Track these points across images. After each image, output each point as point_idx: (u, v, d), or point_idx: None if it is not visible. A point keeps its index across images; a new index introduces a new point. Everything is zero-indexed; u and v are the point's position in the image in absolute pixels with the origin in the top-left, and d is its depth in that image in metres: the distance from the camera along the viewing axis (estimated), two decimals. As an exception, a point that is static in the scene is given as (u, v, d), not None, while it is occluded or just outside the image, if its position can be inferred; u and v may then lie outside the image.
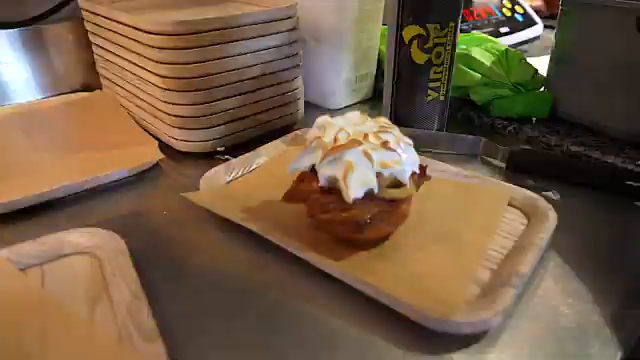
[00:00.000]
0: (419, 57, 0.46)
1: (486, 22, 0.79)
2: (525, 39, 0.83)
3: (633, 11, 0.45)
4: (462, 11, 0.78)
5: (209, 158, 0.47)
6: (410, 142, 0.34)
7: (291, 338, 0.28)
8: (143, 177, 0.45)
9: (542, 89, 0.56)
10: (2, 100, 0.59)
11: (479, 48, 0.56)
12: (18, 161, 0.45)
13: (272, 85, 0.49)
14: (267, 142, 0.47)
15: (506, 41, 0.79)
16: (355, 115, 0.35)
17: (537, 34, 0.86)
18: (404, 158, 0.32)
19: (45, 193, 0.39)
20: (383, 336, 0.28)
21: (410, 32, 0.45)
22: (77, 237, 0.33)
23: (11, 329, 0.26)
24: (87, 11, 0.55)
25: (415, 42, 0.45)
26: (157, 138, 0.49)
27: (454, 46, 0.46)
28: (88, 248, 0.33)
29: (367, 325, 0.29)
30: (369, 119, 0.35)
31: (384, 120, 0.35)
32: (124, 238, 0.33)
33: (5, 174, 0.42)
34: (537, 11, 0.93)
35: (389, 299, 0.28)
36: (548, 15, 0.97)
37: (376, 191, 0.31)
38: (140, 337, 0.25)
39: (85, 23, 0.57)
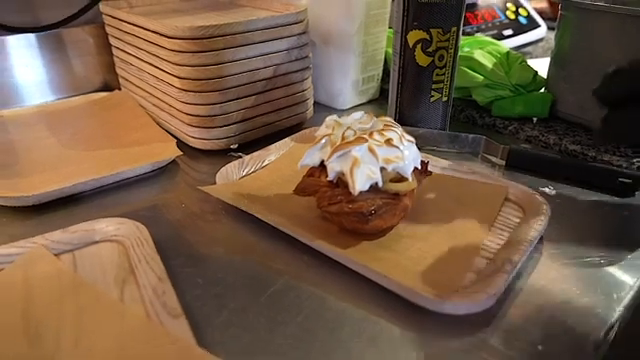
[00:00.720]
0: (423, 60, 0.48)
1: (490, 25, 0.81)
2: (529, 41, 0.85)
3: (630, 16, 0.47)
4: (465, 15, 0.80)
5: (223, 155, 0.50)
6: (412, 140, 0.36)
7: (301, 318, 0.30)
8: (162, 173, 0.47)
9: (543, 90, 0.58)
10: (27, 100, 0.63)
11: (481, 51, 0.59)
12: (47, 157, 0.48)
13: (283, 86, 0.52)
14: (278, 140, 0.50)
15: (510, 43, 0.81)
16: (361, 115, 0.38)
17: (541, 36, 0.88)
18: (406, 154, 0.34)
19: (75, 186, 0.42)
20: (385, 317, 0.30)
21: (414, 36, 0.47)
22: (105, 226, 0.36)
23: (50, 309, 0.29)
24: (108, 15, 0.58)
25: (419, 46, 0.47)
26: (174, 136, 0.52)
27: (456, 49, 0.49)
28: (115, 236, 0.36)
29: (371, 307, 0.31)
30: (374, 118, 0.37)
31: (388, 119, 0.37)
32: (147, 227, 0.36)
33: (35, 169, 0.45)
34: (541, 12, 0.95)
35: (391, 283, 0.31)
36: (552, 17, 0.99)
37: (380, 185, 0.33)
38: (166, 314, 0.28)
39: (106, 27, 0.60)
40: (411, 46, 0.48)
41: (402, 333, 0.29)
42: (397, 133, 0.35)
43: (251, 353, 0.28)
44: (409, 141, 0.36)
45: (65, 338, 0.27)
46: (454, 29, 0.47)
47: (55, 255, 0.34)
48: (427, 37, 0.47)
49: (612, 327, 0.30)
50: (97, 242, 0.35)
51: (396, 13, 0.48)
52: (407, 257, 0.34)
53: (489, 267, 0.33)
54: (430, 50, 0.47)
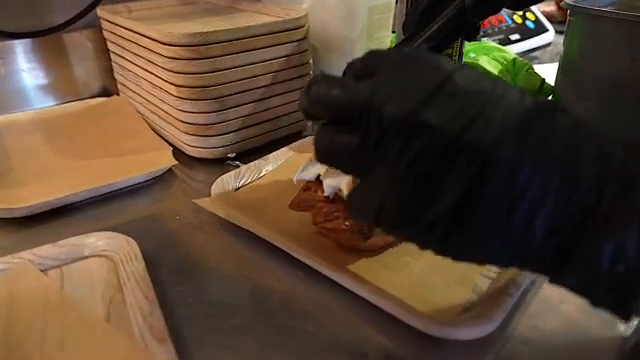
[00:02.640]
0: (426, 67, 0.47)
1: (496, 29, 0.79)
2: (536, 46, 0.83)
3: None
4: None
5: (220, 164, 0.49)
6: None
7: (295, 340, 0.29)
8: (157, 182, 0.46)
9: (550, 98, 0.56)
10: (25, 105, 0.62)
11: (487, 57, 0.57)
12: (40, 166, 0.47)
13: (282, 93, 0.51)
14: (277, 148, 0.49)
15: (517, 48, 0.80)
16: None
17: (548, 41, 0.86)
18: None
19: (65, 197, 0.41)
20: (383, 340, 0.29)
21: (417, 43, 0.46)
22: (95, 240, 0.35)
23: (33, 327, 0.28)
24: (105, 20, 0.57)
25: (422, 53, 0.46)
26: (171, 144, 0.51)
27: (461, 56, 0.47)
28: (105, 251, 0.34)
29: (367, 328, 0.30)
30: None
31: None
32: (138, 241, 0.35)
33: (27, 179, 0.44)
34: (550, 16, 0.93)
35: (389, 305, 0.29)
36: (561, 21, 0.97)
37: None
38: (152, 337, 0.27)
39: (103, 31, 0.59)
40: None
41: (399, 357, 0.28)
42: None
43: (240, 379, 0.27)
44: None
45: (47, 357, 0.26)
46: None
47: (43, 271, 0.33)
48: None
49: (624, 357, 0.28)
50: (86, 257, 0.34)
51: (398, 19, 0.47)
52: (406, 275, 0.33)
53: (492, 288, 0.31)
54: (433, 57, 0.46)
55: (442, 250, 0.22)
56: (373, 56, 0.24)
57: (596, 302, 0.21)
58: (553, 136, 0.20)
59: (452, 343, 0.28)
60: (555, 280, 0.21)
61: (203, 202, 0.39)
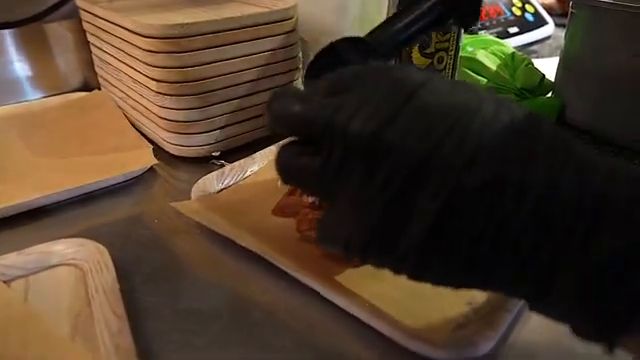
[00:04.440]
0: (420, 62, 0.44)
1: (495, 22, 0.77)
2: (535, 39, 0.81)
3: (646, 16, 0.43)
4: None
5: (204, 163, 0.46)
6: None
7: (276, 357, 0.27)
8: (137, 182, 0.44)
9: (550, 95, 0.54)
10: (3, 100, 0.59)
11: (485, 51, 0.55)
12: (12, 165, 0.44)
13: (269, 89, 0.48)
14: (264, 147, 0.46)
15: (516, 42, 0.77)
16: None
17: (548, 34, 0.83)
18: None
19: (36, 200, 0.38)
20: (372, 356, 0.27)
21: (411, 36, 0.43)
22: (63, 248, 0.33)
23: (-9, 345, 0.26)
24: (84, 10, 0.54)
25: (416, 47, 0.44)
26: (152, 141, 0.48)
27: (457, 51, 0.45)
28: (74, 260, 0.32)
29: (356, 345, 0.28)
30: None
31: None
32: (112, 247, 0.33)
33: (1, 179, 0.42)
34: (549, 9, 0.91)
35: (378, 322, 0.27)
36: (561, 13, 0.95)
37: None
38: (117, 358, 0.25)
39: (83, 23, 0.56)
40: (408, 48, 0.44)
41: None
42: None
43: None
44: None
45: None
46: (454, 29, 0.43)
47: (6, 282, 0.31)
48: (426, 38, 0.43)
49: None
50: (54, 266, 0.32)
51: (392, 11, 0.44)
52: (395, 287, 0.30)
53: (488, 301, 0.29)
54: (428, 52, 0.44)
55: (417, 277, 0.20)
56: (339, 71, 0.22)
57: (576, 331, 0.19)
58: (531, 154, 0.18)
59: (445, 362, 0.26)
60: (535, 307, 0.20)
61: (181, 206, 0.37)
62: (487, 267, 0.19)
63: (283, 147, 0.23)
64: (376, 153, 0.19)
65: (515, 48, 0.73)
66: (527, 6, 0.83)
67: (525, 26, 0.80)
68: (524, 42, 0.80)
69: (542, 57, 0.77)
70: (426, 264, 0.19)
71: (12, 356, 0.25)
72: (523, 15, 0.81)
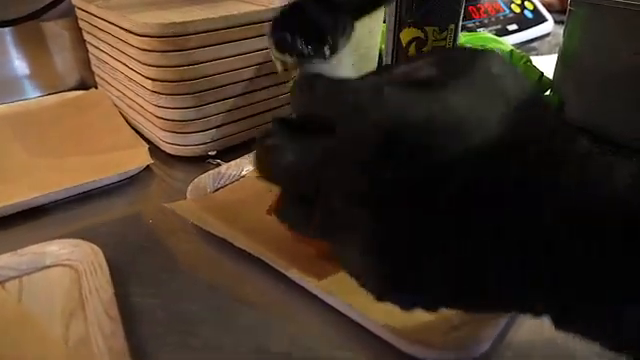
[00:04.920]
0: (417, 60, 0.44)
1: (493, 19, 0.76)
2: (534, 37, 0.81)
3: (645, 13, 0.42)
4: (468, 8, 0.75)
5: (200, 162, 0.46)
6: None
7: (272, 358, 0.27)
8: (133, 181, 0.44)
9: (549, 92, 0.54)
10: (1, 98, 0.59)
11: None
12: (8, 165, 0.44)
13: (265, 87, 0.48)
14: (261, 146, 0.46)
15: (514, 39, 0.77)
16: None
17: (547, 31, 0.83)
18: None
19: (31, 200, 0.38)
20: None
21: (408, 35, 0.43)
22: (58, 249, 0.32)
23: (-16, 347, 0.26)
24: (80, 9, 0.54)
25: (413, 45, 0.43)
26: (148, 140, 0.48)
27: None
28: (68, 260, 0.32)
29: (349, 347, 0.28)
30: None
31: None
32: (107, 248, 0.33)
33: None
34: (549, 5, 0.90)
35: (370, 324, 0.27)
36: (560, 10, 0.94)
37: None
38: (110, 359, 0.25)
39: (79, 21, 0.56)
40: (404, 45, 0.44)
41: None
42: None
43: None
44: None
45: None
46: (452, 27, 0.43)
47: (0, 282, 0.31)
48: (422, 35, 0.43)
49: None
50: (48, 267, 0.32)
51: (389, 9, 0.44)
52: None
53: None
54: (425, 50, 0.43)
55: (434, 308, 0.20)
56: (329, 97, 0.20)
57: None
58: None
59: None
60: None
61: (177, 206, 0.37)
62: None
63: (281, 194, 0.22)
64: (372, 204, 0.18)
65: (514, 45, 0.73)
66: (526, 3, 0.82)
67: (524, 23, 0.80)
68: (523, 39, 0.79)
69: (541, 54, 0.76)
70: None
71: (6, 356, 0.25)
72: (522, 12, 0.81)
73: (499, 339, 0.27)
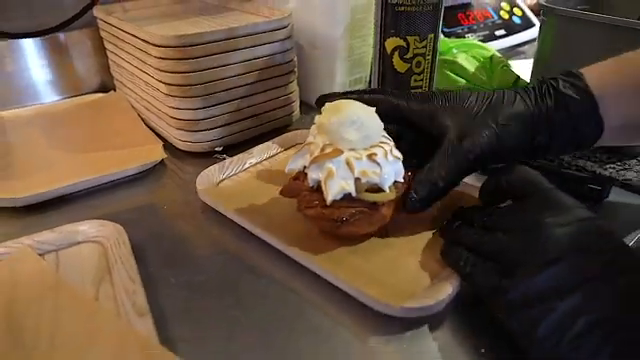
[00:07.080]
0: (400, 66, 0.49)
1: (482, 25, 0.81)
2: (522, 41, 0.85)
3: (608, 25, 0.47)
4: (457, 15, 0.80)
5: (208, 157, 0.52)
6: (399, 156, 0.37)
7: (267, 322, 0.32)
8: (149, 173, 0.50)
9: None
10: (30, 100, 0.65)
11: (466, 54, 0.59)
12: (39, 158, 0.50)
13: (266, 91, 0.54)
14: (261, 142, 0.51)
15: (503, 43, 0.82)
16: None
17: (534, 36, 0.87)
18: (385, 171, 0.35)
19: (63, 188, 0.44)
20: (343, 319, 0.32)
21: (391, 44, 0.48)
22: (87, 228, 0.38)
23: (30, 307, 0.32)
24: (101, 20, 0.60)
25: (396, 53, 0.49)
26: (162, 138, 0.54)
27: (434, 55, 0.50)
28: (96, 237, 0.38)
29: (339, 313, 0.33)
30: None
31: (384, 134, 0.38)
32: (128, 228, 0.39)
33: (27, 170, 0.48)
34: (538, 12, 0.94)
35: (355, 291, 0.33)
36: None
37: (353, 195, 0.34)
38: (134, 312, 0.30)
39: (100, 31, 0.62)
40: (389, 53, 0.49)
41: (355, 334, 0.31)
42: (383, 149, 0.35)
43: (212, 352, 0.30)
44: (396, 157, 0.36)
45: (42, 335, 0.30)
46: (431, 36, 0.48)
47: (41, 255, 0.37)
48: (404, 44, 0.48)
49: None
50: (79, 243, 0.38)
51: (375, 20, 0.49)
52: (374, 264, 0.35)
53: (445, 273, 0.34)
54: (407, 57, 0.49)
55: None
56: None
57: None
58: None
59: (407, 320, 0.31)
60: None
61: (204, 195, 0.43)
62: None
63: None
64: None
65: (503, 50, 0.77)
66: (515, 9, 0.87)
67: (512, 28, 0.84)
68: (511, 44, 0.84)
69: (529, 58, 0.81)
70: None
71: (46, 318, 0.31)
72: (511, 18, 0.86)
73: (456, 302, 0.33)
